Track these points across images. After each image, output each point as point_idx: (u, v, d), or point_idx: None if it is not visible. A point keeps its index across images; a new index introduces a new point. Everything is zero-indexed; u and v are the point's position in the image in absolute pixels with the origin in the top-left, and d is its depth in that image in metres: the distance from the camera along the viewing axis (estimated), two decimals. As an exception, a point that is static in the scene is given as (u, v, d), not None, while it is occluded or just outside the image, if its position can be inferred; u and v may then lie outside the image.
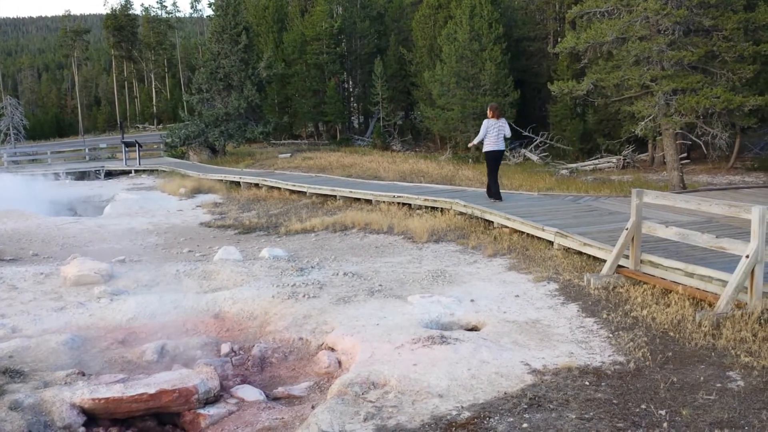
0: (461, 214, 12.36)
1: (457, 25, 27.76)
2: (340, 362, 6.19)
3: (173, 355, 6.57)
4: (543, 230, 9.79)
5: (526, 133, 27.75)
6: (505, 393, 4.95)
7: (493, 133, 12.06)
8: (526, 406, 4.70)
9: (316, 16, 36.22)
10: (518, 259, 9.23)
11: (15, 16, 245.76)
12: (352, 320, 6.87)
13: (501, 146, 12.23)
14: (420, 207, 13.58)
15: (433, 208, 13.26)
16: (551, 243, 9.61)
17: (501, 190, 12.93)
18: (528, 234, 10.28)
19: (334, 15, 37.19)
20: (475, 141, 12.43)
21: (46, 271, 9.69)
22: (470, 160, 25.56)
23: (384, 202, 14.49)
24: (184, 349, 6.77)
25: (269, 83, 34.38)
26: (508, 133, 12.32)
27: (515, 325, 6.48)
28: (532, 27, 31.90)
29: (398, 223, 12.33)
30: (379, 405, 4.91)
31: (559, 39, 26.48)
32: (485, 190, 13.11)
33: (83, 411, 5.27)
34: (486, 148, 12.27)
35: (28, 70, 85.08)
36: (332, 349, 6.45)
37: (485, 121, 12.10)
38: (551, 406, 4.69)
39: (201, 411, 5.40)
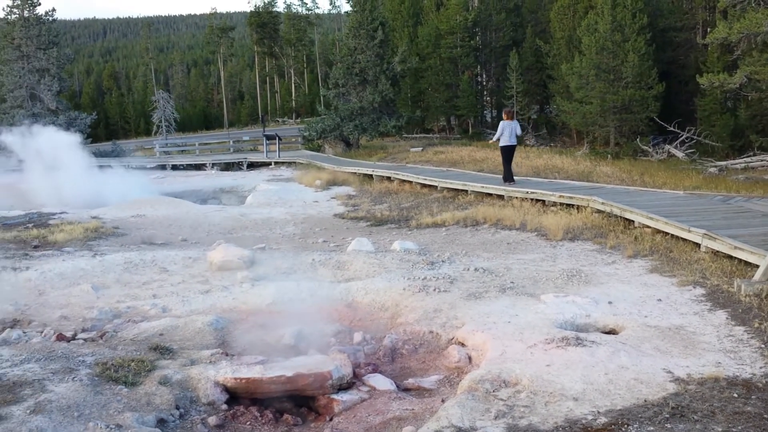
0: (599, 212, 11.90)
1: (598, 16, 26.69)
2: (470, 358, 6.16)
3: (309, 341, 6.80)
4: (689, 231, 9.22)
5: (671, 128, 26.23)
6: (645, 400, 4.74)
7: (507, 132, 14.69)
8: (668, 416, 4.47)
9: (451, 10, 36.06)
10: (661, 261, 8.75)
11: (167, 14, 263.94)
12: (482, 316, 6.82)
13: (514, 142, 15.00)
14: (554, 204, 13.21)
15: (568, 205, 12.86)
16: (698, 245, 9.03)
17: (643, 188, 13.54)
18: (672, 235, 9.71)
19: (470, 8, 36.90)
20: (494, 138, 15.29)
21: (193, 256, 10.33)
22: (609, 155, 24.55)
23: (516, 197, 14.22)
24: (319, 335, 7.00)
25: (403, 77, 34.67)
26: (519, 131, 15.19)
27: (657, 330, 6.16)
28: (680, 16, 30.06)
29: (531, 219, 12.08)
30: (511, 404, 4.84)
31: (708, 29, 24.83)
32: (627, 186, 13.91)
33: (226, 389, 5.58)
34: (502, 143, 14.96)
35: (178, 66, 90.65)
36: (462, 345, 6.43)
37: (502, 123, 14.86)
38: (695, 417, 4.43)
39: (334, 396, 5.56)
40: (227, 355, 6.22)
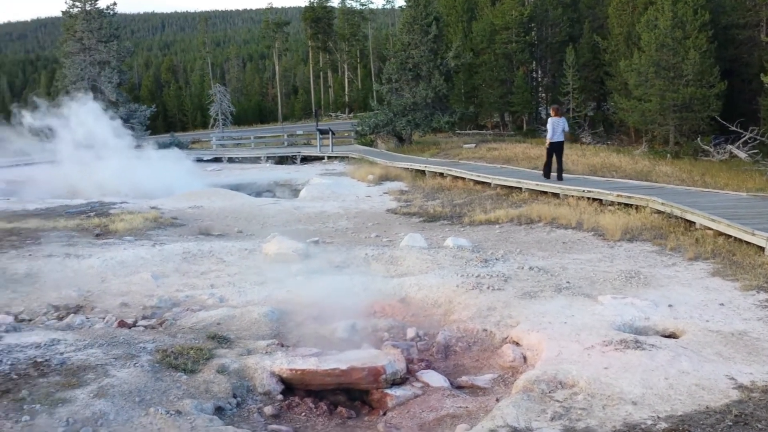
0: (658, 212, 11.61)
1: (658, 12, 26.03)
2: (525, 357, 6.09)
3: (362, 335, 6.84)
4: (753, 234, 8.92)
5: (733, 128, 25.39)
6: (707, 407, 4.61)
7: (558, 128, 14.95)
8: (730, 423, 4.35)
9: (506, 5, 35.64)
10: (723, 265, 8.50)
11: (223, 9, 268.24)
12: (538, 316, 6.74)
13: (561, 138, 15.25)
14: (612, 203, 12.95)
15: (626, 204, 12.58)
16: (762, 249, 8.73)
17: (704, 189, 13.41)
18: (735, 238, 9.41)
19: (525, 3, 36.44)
20: (548, 138, 15.20)
21: (249, 248, 10.49)
22: (668, 155, 23.95)
23: (572, 196, 13.99)
24: (372, 330, 7.03)
25: (457, 73, 34.43)
26: (567, 128, 15.51)
27: (719, 335, 5.99)
28: (743, 13, 29.07)
29: (588, 218, 11.87)
30: (567, 406, 4.77)
31: (774, 26, 23.96)
32: (687, 186, 13.78)
33: (281, 380, 5.64)
34: (553, 140, 15.11)
35: (234, 60, 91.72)
36: (517, 344, 6.37)
37: (550, 120, 15.12)
38: (759, 426, 4.30)
39: (388, 391, 5.57)
40: (282, 346, 6.30)
